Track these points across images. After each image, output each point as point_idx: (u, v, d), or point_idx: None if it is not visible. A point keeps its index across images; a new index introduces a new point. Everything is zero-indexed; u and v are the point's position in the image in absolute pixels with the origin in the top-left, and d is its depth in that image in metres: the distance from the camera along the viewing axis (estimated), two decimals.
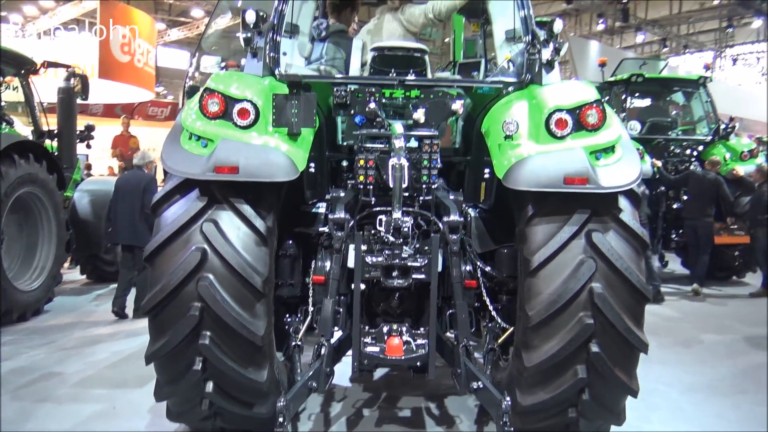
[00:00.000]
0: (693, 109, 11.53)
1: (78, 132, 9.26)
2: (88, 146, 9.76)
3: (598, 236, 3.21)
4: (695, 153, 10.64)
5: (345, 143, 4.12)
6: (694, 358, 6.13)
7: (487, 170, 3.73)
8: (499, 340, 3.74)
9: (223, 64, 4.35)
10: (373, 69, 4.11)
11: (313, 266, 3.82)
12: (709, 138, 10.55)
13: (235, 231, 3.27)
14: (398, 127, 3.27)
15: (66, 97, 8.78)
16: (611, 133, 3.33)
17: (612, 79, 11.26)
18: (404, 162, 3.34)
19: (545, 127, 3.28)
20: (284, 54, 4.15)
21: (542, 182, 3.19)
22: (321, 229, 3.86)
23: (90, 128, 9.52)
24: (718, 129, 10.44)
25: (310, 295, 3.82)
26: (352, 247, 3.47)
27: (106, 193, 8.31)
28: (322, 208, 4.01)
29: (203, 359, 3.22)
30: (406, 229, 3.45)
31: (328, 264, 3.70)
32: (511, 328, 3.66)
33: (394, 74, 3.93)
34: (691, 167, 10.16)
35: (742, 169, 9.79)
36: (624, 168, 3.28)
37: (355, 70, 4.31)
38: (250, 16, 3.66)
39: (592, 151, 3.26)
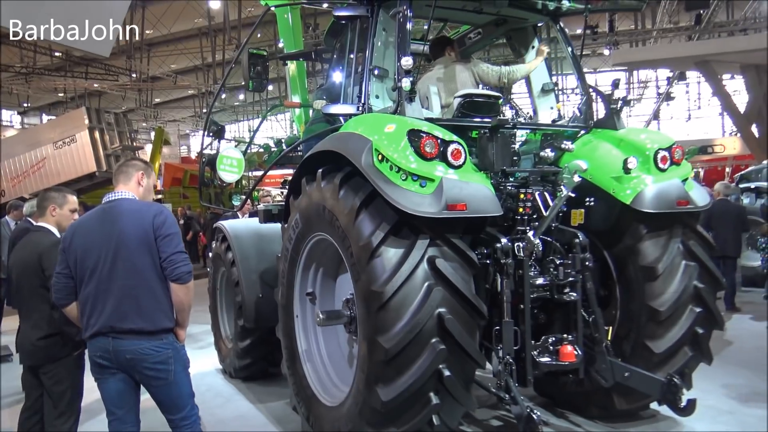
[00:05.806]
0: None
1: None
2: None
3: (694, 245, 4.24)
4: None
5: None
6: None
7: (588, 198, 4.40)
8: (609, 337, 4.49)
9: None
10: (460, 113, 4.51)
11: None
12: None
13: (456, 264, 3.47)
14: (582, 164, 3.82)
15: None
16: (688, 166, 4.40)
17: None
18: (571, 194, 3.90)
19: (653, 162, 4.19)
20: (377, 97, 4.33)
21: (663, 205, 4.12)
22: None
23: None
24: None
25: None
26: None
27: None
28: None
29: (437, 391, 3.34)
30: (542, 250, 4.03)
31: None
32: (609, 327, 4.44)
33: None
34: None
35: None
36: (701, 191, 4.37)
37: (437, 112, 4.63)
38: (407, 62, 3.79)
39: (682, 180, 4.28)
